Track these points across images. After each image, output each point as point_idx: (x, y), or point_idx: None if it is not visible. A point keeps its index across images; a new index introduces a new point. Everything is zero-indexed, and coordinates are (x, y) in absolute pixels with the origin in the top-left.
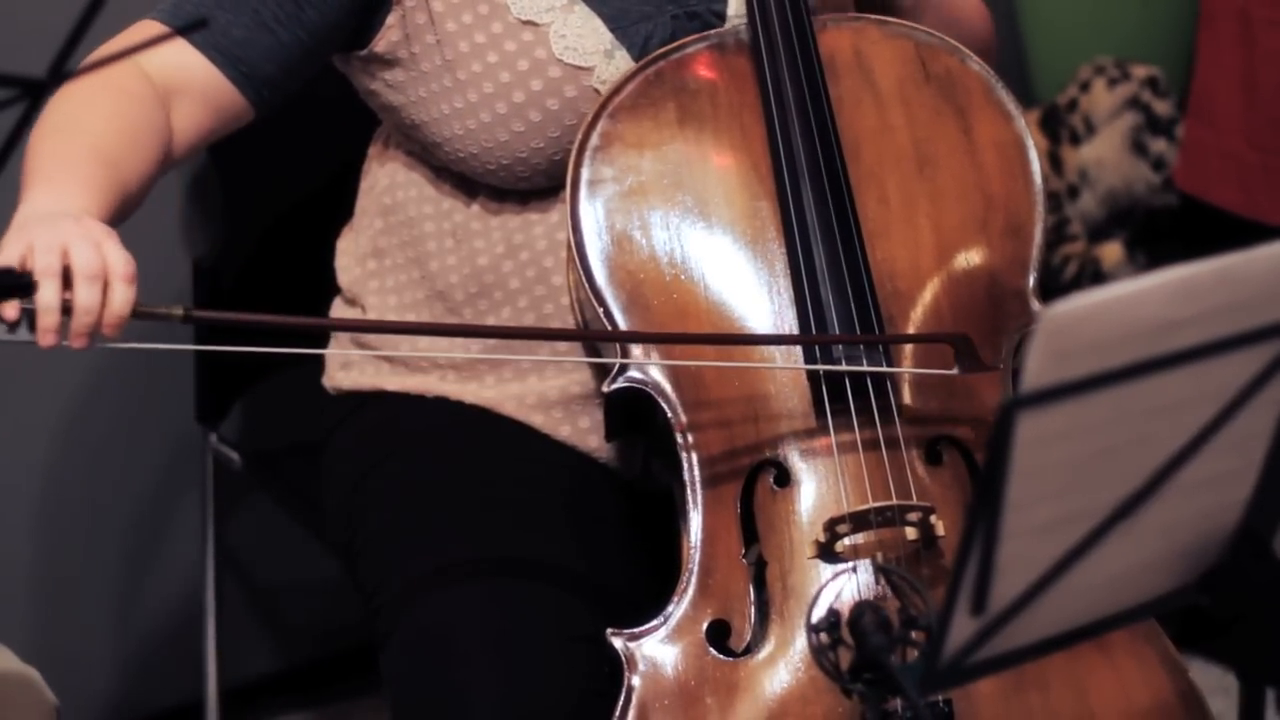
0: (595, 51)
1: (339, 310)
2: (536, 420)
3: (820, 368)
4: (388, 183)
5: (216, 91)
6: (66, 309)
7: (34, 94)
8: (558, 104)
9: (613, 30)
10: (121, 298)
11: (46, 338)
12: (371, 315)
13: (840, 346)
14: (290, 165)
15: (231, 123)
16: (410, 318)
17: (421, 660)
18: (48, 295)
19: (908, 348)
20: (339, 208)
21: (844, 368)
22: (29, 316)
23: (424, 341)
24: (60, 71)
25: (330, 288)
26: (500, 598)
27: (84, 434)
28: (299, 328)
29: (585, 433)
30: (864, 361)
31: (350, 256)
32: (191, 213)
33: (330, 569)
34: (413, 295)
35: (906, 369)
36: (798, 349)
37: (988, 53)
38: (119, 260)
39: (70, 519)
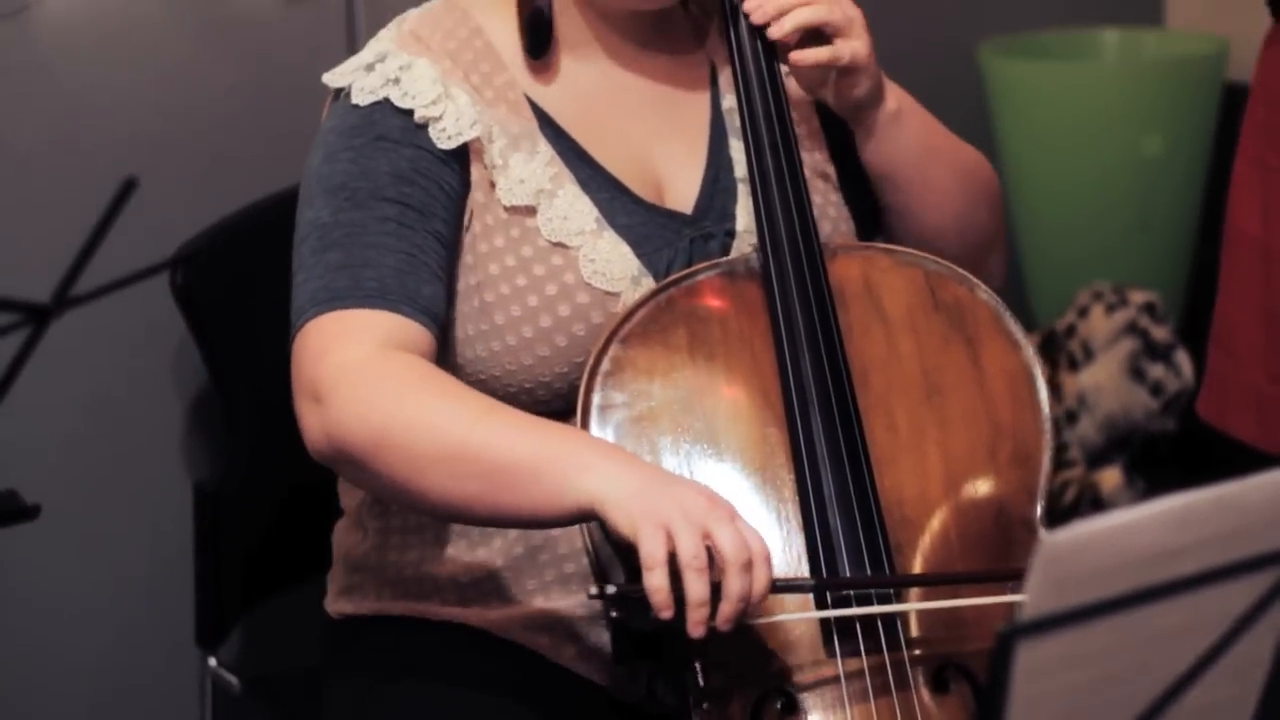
0: (623, 277)
1: (342, 534)
2: (541, 642)
3: (833, 613)
4: None
5: (428, 348)
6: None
7: (38, 319)
8: (584, 329)
9: (639, 256)
10: (765, 579)
11: (697, 629)
12: (375, 538)
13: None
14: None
15: None
16: (412, 538)
17: None
18: (700, 590)
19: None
20: None
21: (856, 611)
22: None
23: (428, 563)
24: (64, 298)
25: (333, 510)
26: None
27: (81, 657)
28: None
29: (590, 651)
30: (874, 601)
31: None
32: (192, 435)
33: None
34: (418, 517)
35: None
36: (809, 597)
37: (990, 196)
38: (758, 541)
39: None
